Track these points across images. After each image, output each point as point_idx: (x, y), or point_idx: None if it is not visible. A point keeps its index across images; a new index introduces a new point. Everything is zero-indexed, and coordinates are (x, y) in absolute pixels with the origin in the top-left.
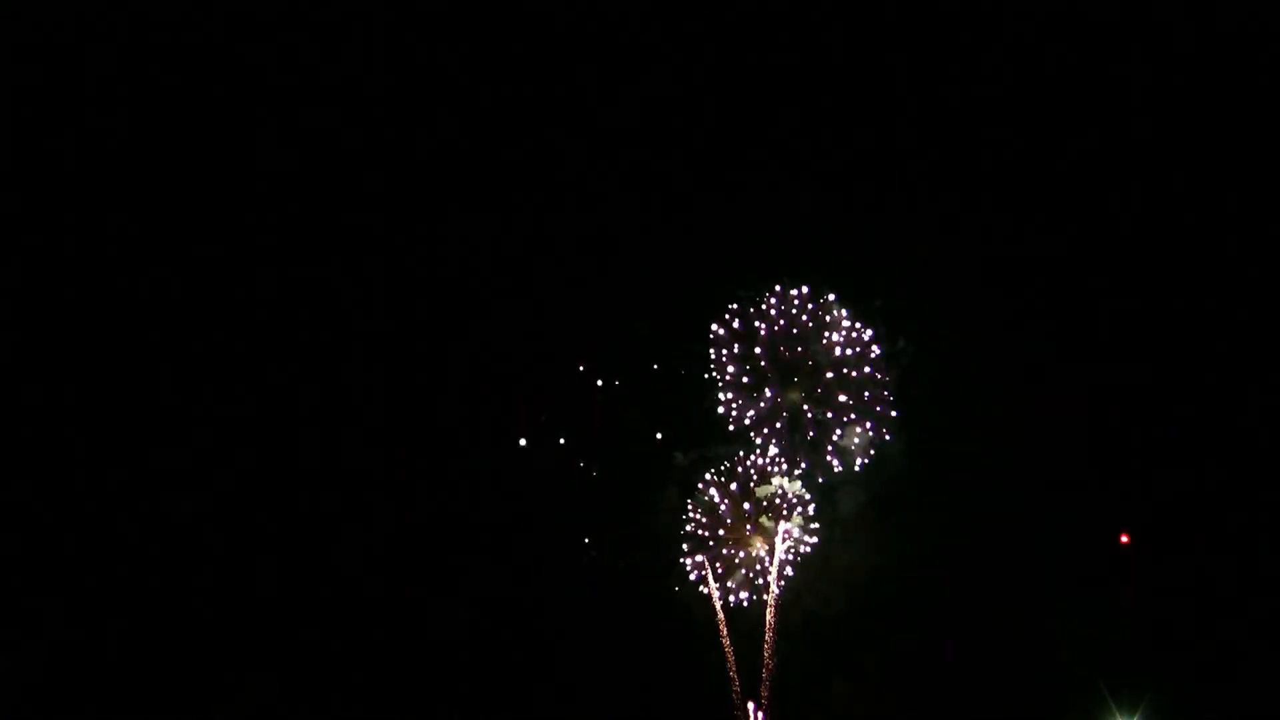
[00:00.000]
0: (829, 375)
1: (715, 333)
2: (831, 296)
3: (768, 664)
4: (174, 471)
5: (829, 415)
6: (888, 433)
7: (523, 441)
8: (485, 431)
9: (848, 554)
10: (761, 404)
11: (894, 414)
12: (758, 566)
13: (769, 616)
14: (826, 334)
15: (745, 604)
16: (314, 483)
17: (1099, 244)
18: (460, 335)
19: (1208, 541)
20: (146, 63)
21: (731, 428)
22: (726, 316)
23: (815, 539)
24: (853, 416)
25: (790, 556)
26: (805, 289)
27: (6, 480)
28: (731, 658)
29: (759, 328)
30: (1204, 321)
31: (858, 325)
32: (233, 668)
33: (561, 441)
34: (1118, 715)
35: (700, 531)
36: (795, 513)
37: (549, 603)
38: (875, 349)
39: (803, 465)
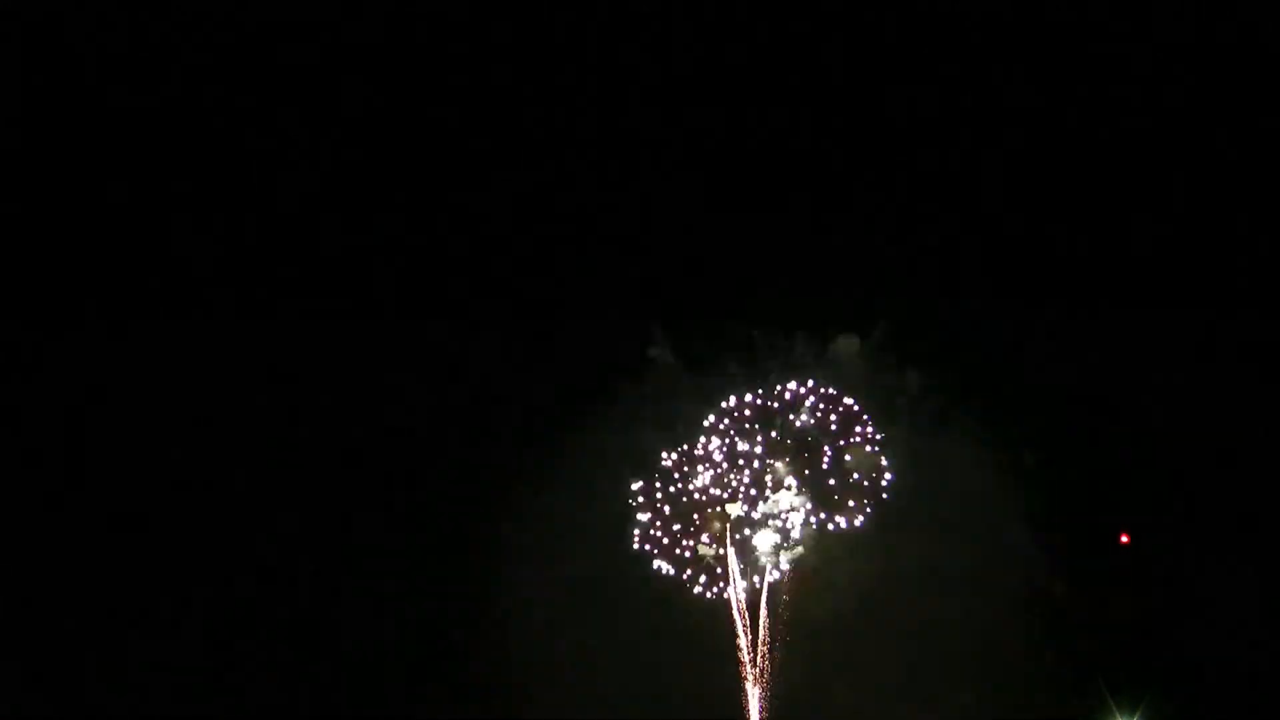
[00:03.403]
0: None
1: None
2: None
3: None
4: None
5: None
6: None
7: None
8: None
9: (847, 558)
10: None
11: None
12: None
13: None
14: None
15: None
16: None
17: (1093, 241)
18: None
19: (1208, 542)
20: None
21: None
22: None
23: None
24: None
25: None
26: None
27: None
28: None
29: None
30: (1203, 322)
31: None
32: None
33: None
34: (1118, 715)
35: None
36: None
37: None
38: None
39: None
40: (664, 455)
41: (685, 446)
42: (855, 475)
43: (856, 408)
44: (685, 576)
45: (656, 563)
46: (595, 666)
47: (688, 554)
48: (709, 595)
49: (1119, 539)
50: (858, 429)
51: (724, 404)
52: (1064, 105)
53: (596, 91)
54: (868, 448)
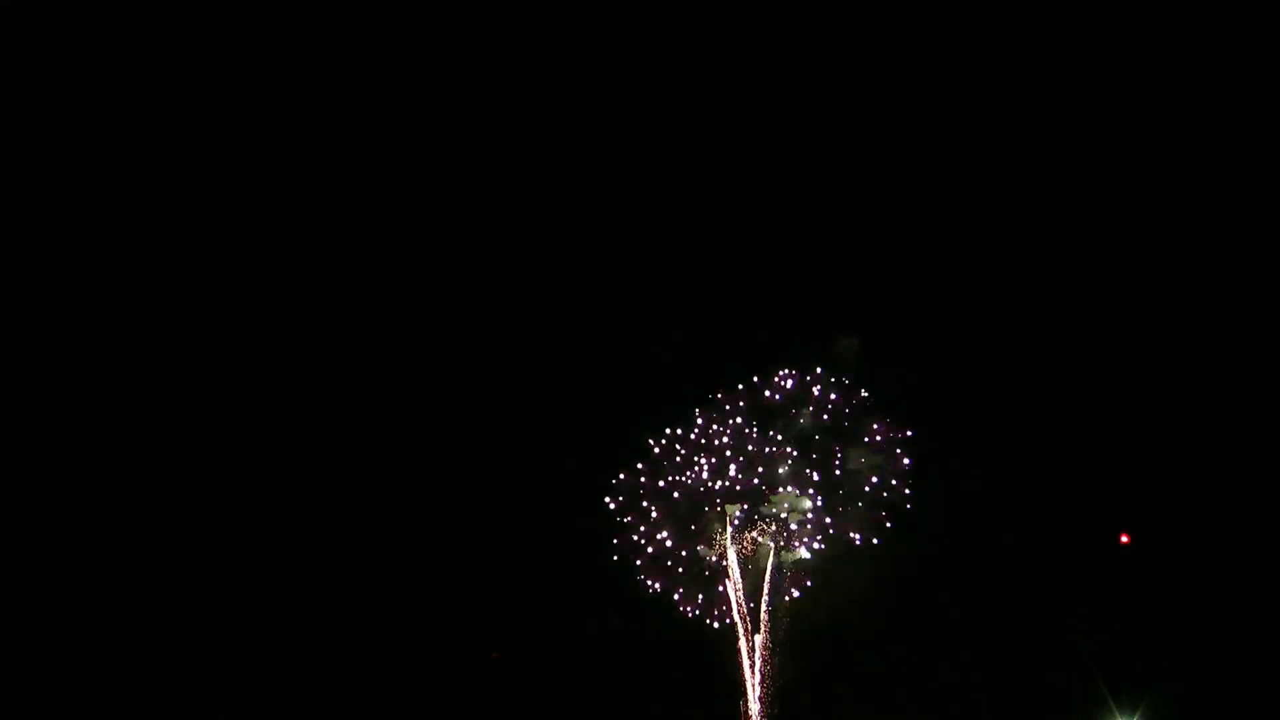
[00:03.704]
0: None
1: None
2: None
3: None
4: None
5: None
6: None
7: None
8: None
9: (849, 561)
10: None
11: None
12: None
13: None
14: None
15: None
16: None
17: (1090, 239)
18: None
19: (1208, 541)
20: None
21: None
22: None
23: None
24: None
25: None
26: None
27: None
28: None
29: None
30: (1202, 323)
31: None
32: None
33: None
34: (1118, 715)
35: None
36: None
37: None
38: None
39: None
40: (650, 443)
41: (679, 431)
42: (874, 480)
43: (872, 400)
44: (676, 596)
45: (641, 578)
46: (591, 668)
47: (680, 569)
48: (712, 623)
49: (1119, 539)
50: (875, 426)
51: (717, 395)
52: (1063, 108)
53: (597, 89)
54: (892, 450)
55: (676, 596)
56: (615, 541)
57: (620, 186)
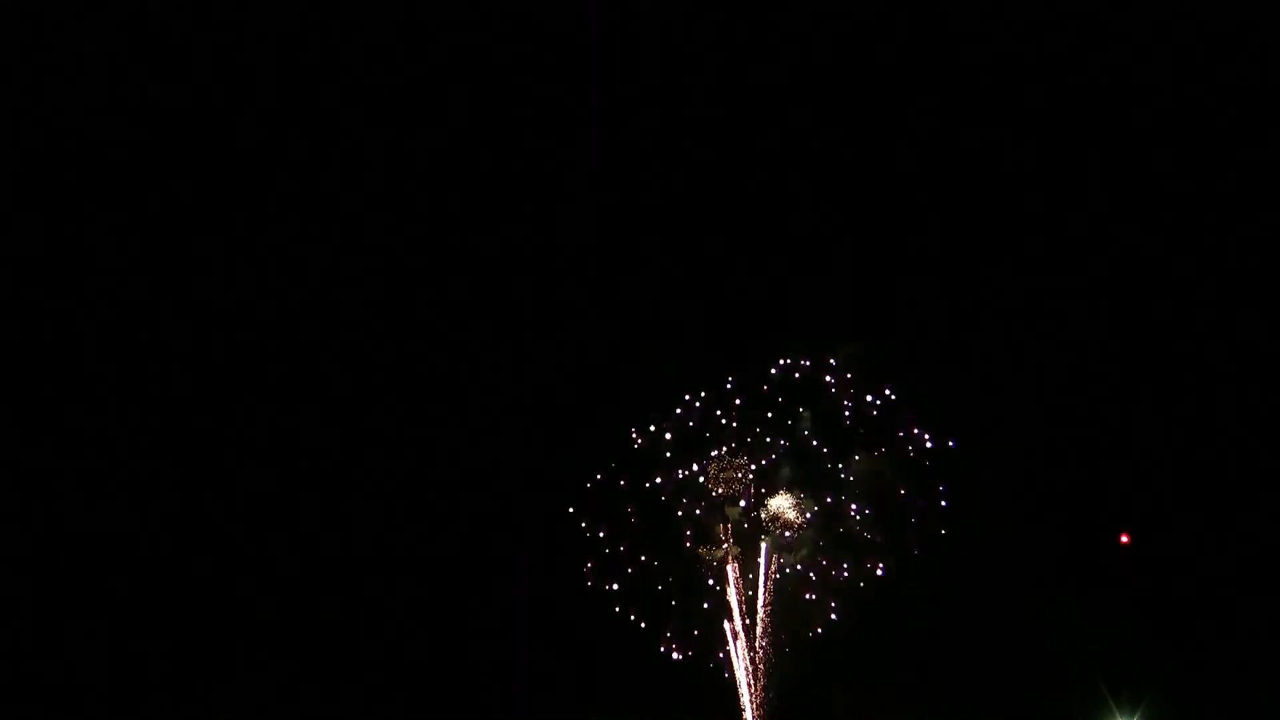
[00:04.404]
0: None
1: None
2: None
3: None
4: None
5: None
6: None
7: None
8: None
9: (848, 560)
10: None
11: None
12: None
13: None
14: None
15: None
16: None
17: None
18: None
19: (1208, 541)
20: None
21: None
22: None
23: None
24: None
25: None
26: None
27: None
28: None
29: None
30: (1203, 322)
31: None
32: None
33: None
34: (1118, 715)
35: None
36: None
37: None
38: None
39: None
40: (633, 434)
41: (665, 423)
42: (903, 493)
43: (895, 399)
44: (666, 636)
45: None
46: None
47: (669, 599)
48: (723, 672)
49: (1119, 539)
50: (899, 434)
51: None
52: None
53: (599, 98)
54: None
55: (666, 640)
56: (587, 567)
57: (615, 181)
